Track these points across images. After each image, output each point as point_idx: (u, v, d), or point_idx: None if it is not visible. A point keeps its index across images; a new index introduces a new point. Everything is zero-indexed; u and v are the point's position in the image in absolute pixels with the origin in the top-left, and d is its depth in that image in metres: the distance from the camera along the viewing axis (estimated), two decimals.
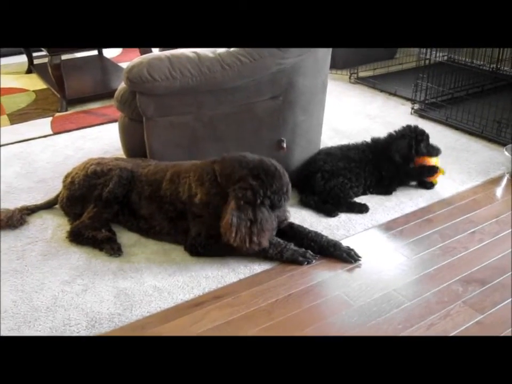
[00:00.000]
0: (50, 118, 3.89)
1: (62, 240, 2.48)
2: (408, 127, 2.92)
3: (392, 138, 2.90)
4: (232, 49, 2.56)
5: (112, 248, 2.38)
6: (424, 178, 2.90)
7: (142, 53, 4.03)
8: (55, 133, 3.66)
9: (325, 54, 2.81)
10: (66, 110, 4.01)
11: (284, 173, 2.24)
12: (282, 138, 2.75)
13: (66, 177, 2.66)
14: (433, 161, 2.88)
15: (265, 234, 2.19)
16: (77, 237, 2.45)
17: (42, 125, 3.79)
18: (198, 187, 2.33)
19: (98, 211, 2.48)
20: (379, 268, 2.31)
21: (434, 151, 2.88)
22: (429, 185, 2.90)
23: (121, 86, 2.77)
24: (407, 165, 2.86)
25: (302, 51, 2.59)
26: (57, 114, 3.97)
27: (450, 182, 2.92)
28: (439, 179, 2.92)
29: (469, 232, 2.53)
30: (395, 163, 2.84)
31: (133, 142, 2.79)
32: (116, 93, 2.81)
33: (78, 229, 2.46)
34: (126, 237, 2.51)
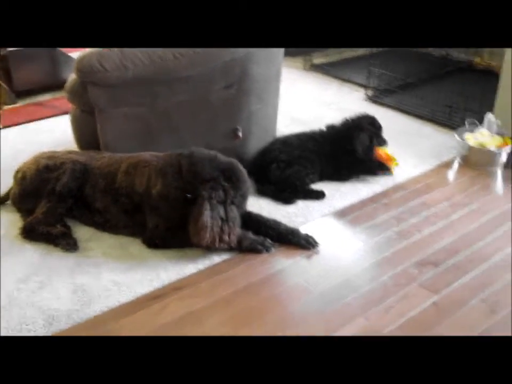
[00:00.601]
0: None
1: (15, 237, 2.41)
2: (365, 118, 2.92)
3: (348, 128, 2.89)
4: None
5: (67, 243, 2.33)
6: (380, 172, 2.90)
7: None
8: (4, 127, 3.55)
9: None
10: (15, 103, 3.89)
11: (248, 177, 2.35)
12: (237, 127, 2.74)
13: (17, 172, 2.59)
14: (387, 152, 2.92)
15: (236, 231, 2.22)
16: (30, 233, 2.39)
17: None
18: (159, 178, 2.30)
19: (52, 206, 2.42)
20: (337, 253, 2.34)
21: (384, 143, 2.93)
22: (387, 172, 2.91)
23: (72, 76, 2.71)
24: (368, 158, 2.87)
25: None
26: (6, 107, 3.85)
27: (404, 166, 2.97)
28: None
29: (423, 215, 2.59)
30: (354, 154, 2.83)
31: (86, 134, 2.73)
32: (67, 84, 2.74)
33: (31, 225, 2.39)
34: (81, 232, 2.46)
